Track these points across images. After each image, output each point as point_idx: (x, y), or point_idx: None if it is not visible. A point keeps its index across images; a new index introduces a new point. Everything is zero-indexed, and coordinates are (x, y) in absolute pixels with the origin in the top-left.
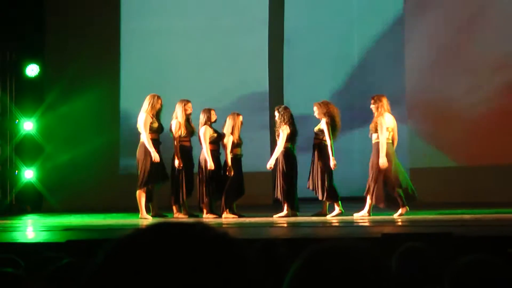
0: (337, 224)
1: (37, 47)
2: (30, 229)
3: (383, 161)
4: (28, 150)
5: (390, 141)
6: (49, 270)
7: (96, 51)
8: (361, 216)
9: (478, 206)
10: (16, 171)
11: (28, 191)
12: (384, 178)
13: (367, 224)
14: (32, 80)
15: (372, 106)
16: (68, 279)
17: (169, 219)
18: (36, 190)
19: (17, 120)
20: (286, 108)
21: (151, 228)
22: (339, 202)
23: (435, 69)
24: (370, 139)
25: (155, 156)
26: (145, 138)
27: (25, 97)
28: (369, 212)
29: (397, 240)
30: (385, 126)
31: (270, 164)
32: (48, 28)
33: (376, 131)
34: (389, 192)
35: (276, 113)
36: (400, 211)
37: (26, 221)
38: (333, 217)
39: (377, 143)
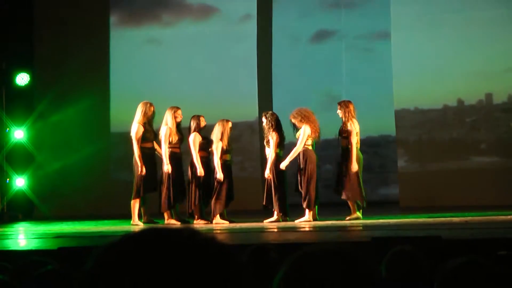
0: (326, 228)
1: (27, 56)
2: (22, 236)
3: (355, 166)
4: (19, 158)
5: (358, 146)
6: (35, 275)
7: (86, 59)
8: (349, 221)
9: (467, 209)
10: (7, 179)
11: (19, 199)
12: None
13: (356, 228)
14: (22, 89)
15: (339, 112)
16: (54, 284)
17: (159, 225)
18: (28, 198)
19: (7, 129)
20: (273, 114)
21: (139, 233)
22: (313, 209)
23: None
24: (343, 145)
25: (142, 171)
26: (136, 150)
27: (15, 105)
28: (355, 214)
29: (387, 244)
30: (355, 132)
31: (268, 173)
32: (38, 37)
33: (346, 136)
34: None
35: (264, 119)
36: (354, 215)
37: (17, 228)
38: (301, 222)
39: (350, 149)
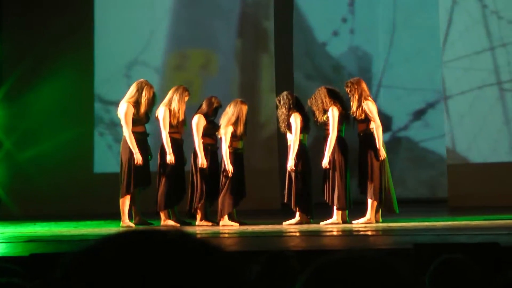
0: (359, 233)
1: None
2: None
3: (382, 152)
4: None
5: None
6: None
7: (66, 25)
8: (364, 224)
9: None
10: None
11: None
12: (380, 175)
13: (396, 232)
14: None
15: (349, 92)
16: None
17: (150, 227)
18: None
19: None
20: (289, 93)
21: (118, 236)
22: (347, 211)
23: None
24: (357, 130)
25: (138, 158)
26: (127, 135)
27: None
28: (374, 217)
29: (432, 252)
30: (376, 111)
31: (291, 165)
32: None
33: (363, 119)
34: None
35: (278, 103)
36: (368, 216)
37: None
38: (327, 224)
39: (371, 134)
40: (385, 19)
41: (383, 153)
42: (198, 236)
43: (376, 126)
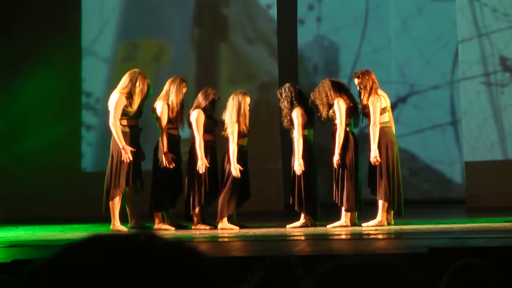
0: (370, 236)
1: None
2: None
3: (375, 154)
4: None
5: (389, 126)
6: None
7: (50, 13)
8: (375, 226)
9: None
10: None
11: None
12: (388, 173)
13: (410, 236)
14: None
15: (358, 84)
16: None
17: (118, 232)
18: None
19: None
20: (291, 85)
21: (82, 243)
22: (356, 213)
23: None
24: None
25: (127, 154)
26: (114, 128)
27: None
28: (385, 219)
29: (449, 256)
30: (379, 108)
31: (300, 163)
32: None
33: (369, 115)
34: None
35: (280, 96)
36: (379, 218)
37: None
38: (335, 227)
39: (381, 129)
40: (355, 6)
41: (378, 156)
42: (174, 239)
43: (371, 125)
